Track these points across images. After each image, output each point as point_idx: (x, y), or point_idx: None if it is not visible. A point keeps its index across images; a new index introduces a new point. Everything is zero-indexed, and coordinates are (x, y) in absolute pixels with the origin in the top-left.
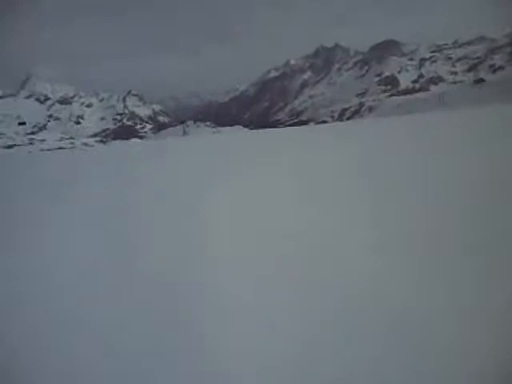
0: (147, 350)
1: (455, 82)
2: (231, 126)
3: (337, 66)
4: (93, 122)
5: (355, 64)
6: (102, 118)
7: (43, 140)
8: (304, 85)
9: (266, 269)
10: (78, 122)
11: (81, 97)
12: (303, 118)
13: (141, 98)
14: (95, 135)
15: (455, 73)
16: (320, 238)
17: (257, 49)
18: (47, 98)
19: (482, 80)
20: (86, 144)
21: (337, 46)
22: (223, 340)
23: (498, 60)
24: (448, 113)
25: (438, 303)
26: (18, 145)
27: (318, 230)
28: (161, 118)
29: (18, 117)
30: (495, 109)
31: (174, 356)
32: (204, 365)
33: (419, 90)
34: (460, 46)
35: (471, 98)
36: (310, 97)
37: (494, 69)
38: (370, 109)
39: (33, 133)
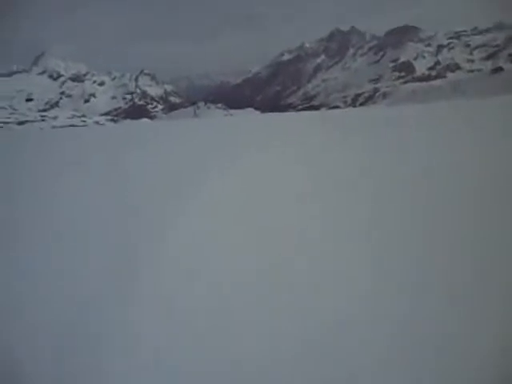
0: (148, 350)
1: (472, 71)
2: (243, 108)
3: (352, 50)
4: (104, 100)
5: (370, 49)
6: (114, 97)
7: (55, 117)
8: (317, 69)
9: (264, 261)
10: (90, 100)
11: (93, 75)
12: (315, 102)
13: (153, 78)
14: (106, 114)
15: (472, 61)
16: (321, 234)
17: (271, 31)
18: (60, 75)
19: (500, 69)
20: (97, 122)
21: (353, 29)
22: (223, 340)
23: None
24: (464, 102)
25: (438, 303)
26: (31, 121)
27: (320, 224)
28: (172, 99)
29: (31, 93)
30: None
31: (173, 356)
32: (203, 365)
33: (435, 78)
34: (479, 33)
35: (488, 87)
36: (324, 81)
37: None
38: (384, 95)
39: (45, 110)
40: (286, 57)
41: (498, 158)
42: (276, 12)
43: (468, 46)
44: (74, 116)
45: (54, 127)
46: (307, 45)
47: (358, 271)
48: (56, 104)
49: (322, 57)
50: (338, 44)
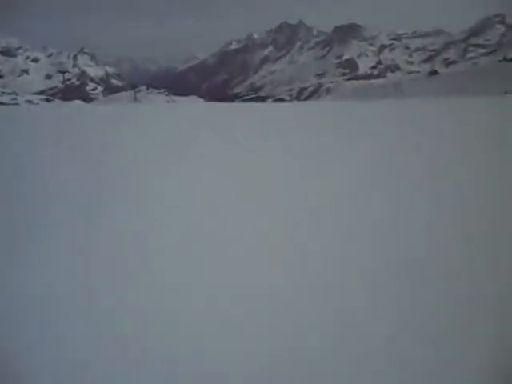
0: (149, 350)
1: (411, 72)
2: (187, 95)
3: (299, 44)
4: (38, 78)
5: (317, 44)
6: (49, 75)
7: None
8: (265, 60)
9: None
10: (22, 77)
11: (26, 50)
12: (261, 93)
13: (93, 58)
14: (41, 93)
15: (411, 63)
16: (256, 231)
17: (220, 19)
18: None
19: (436, 72)
20: (30, 101)
21: (301, 23)
22: (221, 339)
23: (452, 54)
24: (403, 101)
25: (437, 303)
26: None
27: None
28: (114, 81)
29: None
30: (449, 101)
31: (172, 356)
32: (203, 365)
33: (377, 77)
34: (419, 37)
35: (426, 89)
36: (270, 73)
37: (447, 62)
38: (328, 90)
39: None
40: (234, 46)
41: (434, 153)
42: (226, 1)
43: (408, 48)
44: (3, 93)
45: None
46: (255, 35)
47: (353, 273)
48: None
49: (270, 48)
50: (286, 37)
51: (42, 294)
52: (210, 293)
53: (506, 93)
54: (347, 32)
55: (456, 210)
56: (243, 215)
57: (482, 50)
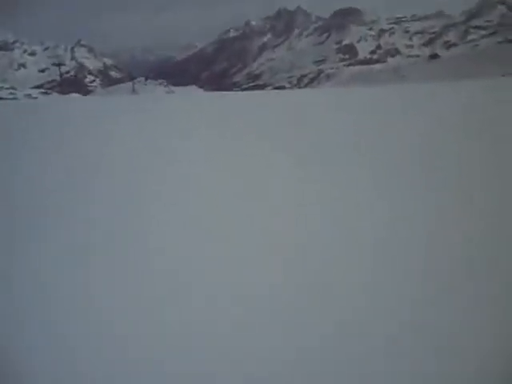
0: (149, 350)
1: (411, 56)
2: (185, 85)
3: (297, 30)
4: (36, 72)
5: (316, 30)
6: (46, 69)
7: None
8: (263, 47)
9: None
10: (19, 71)
11: (23, 43)
12: (260, 82)
13: (90, 50)
14: (39, 86)
15: (411, 46)
16: (255, 224)
17: (217, 6)
18: None
19: (436, 55)
20: (29, 95)
21: (299, 9)
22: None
23: (452, 37)
24: (404, 86)
25: (437, 303)
26: None
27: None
28: (112, 73)
29: None
30: (450, 84)
31: (172, 356)
32: (203, 365)
33: (376, 62)
34: (418, 20)
35: (427, 73)
36: (269, 60)
37: (448, 45)
38: (328, 76)
39: None
40: (232, 34)
41: (435, 139)
42: None
43: (407, 31)
44: (1, 88)
45: None
46: (253, 22)
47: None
48: None
49: (268, 36)
50: (284, 23)
51: (42, 294)
52: (210, 293)
53: (503, 75)
54: (346, 17)
55: (456, 209)
56: (243, 215)
57: (483, 32)
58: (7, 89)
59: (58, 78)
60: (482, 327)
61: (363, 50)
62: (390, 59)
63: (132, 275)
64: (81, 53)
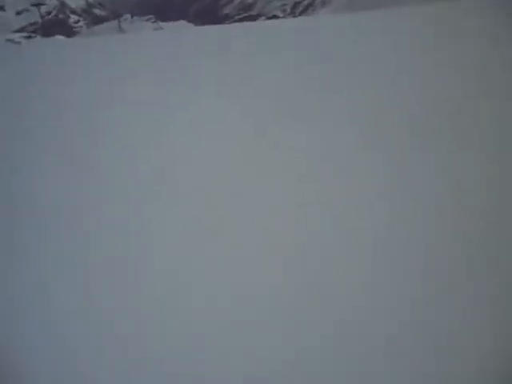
0: (149, 350)
1: None
2: (174, 20)
3: None
4: (16, 14)
5: None
6: (27, 10)
7: None
8: None
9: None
10: None
11: None
12: (253, 12)
13: None
14: (21, 30)
15: None
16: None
17: None
18: None
19: None
20: (11, 40)
21: None
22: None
23: None
24: (401, 10)
25: (437, 303)
26: None
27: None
28: (97, 11)
29: None
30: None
31: (172, 356)
32: (203, 365)
33: None
34: None
35: None
36: None
37: None
38: (324, 2)
39: None
40: None
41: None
42: None
43: None
44: None
45: None
46: None
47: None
48: None
49: None
50: None
51: (42, 294)
52: (210, 293)
53: None
54: None
55: (456, 209)
56: (243, 215)
57: None
58: None
59: (39, 19)
60: (481, 327)
61: None
62: None
63: (132, 275)
64: None
